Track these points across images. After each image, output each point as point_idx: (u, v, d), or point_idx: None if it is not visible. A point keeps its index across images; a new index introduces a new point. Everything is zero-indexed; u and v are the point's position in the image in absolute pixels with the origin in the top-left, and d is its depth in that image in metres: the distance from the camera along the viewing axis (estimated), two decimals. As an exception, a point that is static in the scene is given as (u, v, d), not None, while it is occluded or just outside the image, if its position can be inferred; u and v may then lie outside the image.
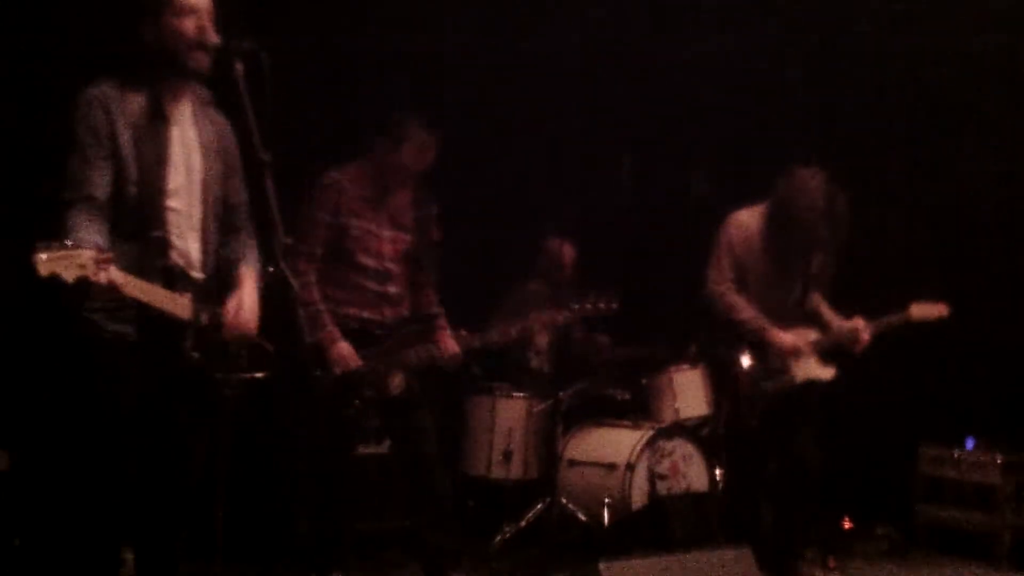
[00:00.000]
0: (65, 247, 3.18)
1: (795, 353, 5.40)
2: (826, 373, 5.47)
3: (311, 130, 6.15)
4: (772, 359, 5.42)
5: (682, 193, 7.58)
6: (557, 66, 7.52)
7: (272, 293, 3.69)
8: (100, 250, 3.26)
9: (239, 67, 3.53)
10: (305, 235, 4.99)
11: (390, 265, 5.15)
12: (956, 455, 6.46)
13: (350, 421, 5.03)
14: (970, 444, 6.47)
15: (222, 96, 3.76)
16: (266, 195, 3.46)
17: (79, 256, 3.18)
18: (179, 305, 3.59)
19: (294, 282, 3.46)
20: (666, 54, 7.50)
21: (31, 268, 3.11)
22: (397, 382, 5.05)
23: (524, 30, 7.35)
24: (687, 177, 7.61)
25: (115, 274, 3.28)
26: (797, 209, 5.27)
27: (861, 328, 5.44)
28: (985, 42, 6.74)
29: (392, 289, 5.16)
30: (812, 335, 5.48)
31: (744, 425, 5.47)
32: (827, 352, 5.49)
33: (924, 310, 5.58)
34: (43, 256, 3.12)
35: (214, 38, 3.64)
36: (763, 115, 7.37)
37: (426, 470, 5.03)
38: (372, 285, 5.11)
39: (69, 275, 3.15)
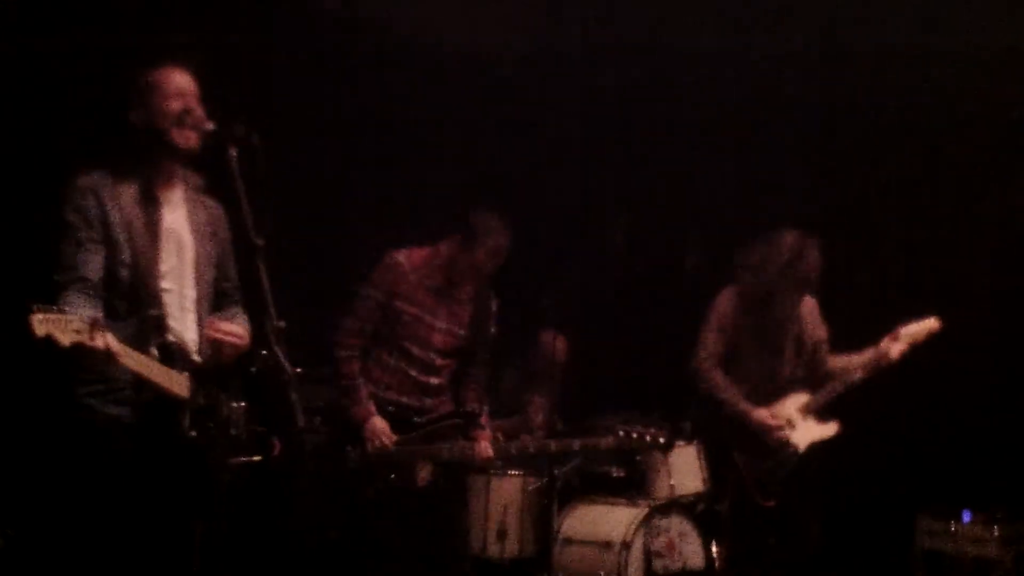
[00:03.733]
0: (62, 311, 3.22)
1: (779, 430, 5.38)
2: (828, 431, 5.46)
3: (304, 214, 6.18)
4: (767, 438, 5.40)
5: (676, 265, 7.61)
6: (549, 134, 7.60)
7: (265, 377, 3.70)
8: (96, 318, 3.29)
9: (232, 152, 3.59)
10: (355, 310, 5.03)
11: (436, 357, 5.13)
12: (953, 528, 6.42)
13: (368, 503, 4.99)
14: (967, 517, 6.44)
15: (215, 181, 3.79)
16: (259, 279, 3.49)
17: (74, 321, 3.21)
18: (177, 383, 3.60)
19: (287, 366, 3.47)
20: (660, 120, 7.57)
21: (26, 330, 3.11)
22: (424, 474, 5.02)
23: (517, 100, 7.43)
24: (682, 248, 7.65)
25: (112, 341, 3.30)
26: (765, 277, 5.32)
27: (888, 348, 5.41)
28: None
29: (434, 380, 5.15)
30: (802, 399, 5.47)
31: (758, 506, 5.42)
32: (824, 409, 5.47)
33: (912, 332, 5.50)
34: (39, 316, 3.14)
35: (205, 122, 3.70)
36: (759, 184, 7.41)
37: (437, 564, 5.02)
38: (414, 373, 5.10)
39: (65, 338, 3.17)
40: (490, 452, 5.18)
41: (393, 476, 4.96)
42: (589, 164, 7.87)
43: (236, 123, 3.64)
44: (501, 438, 5.27)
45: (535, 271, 7.31)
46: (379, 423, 4.95)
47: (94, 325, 3.25)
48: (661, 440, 5.40)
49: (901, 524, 6.70)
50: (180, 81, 3.74)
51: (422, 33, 6.98)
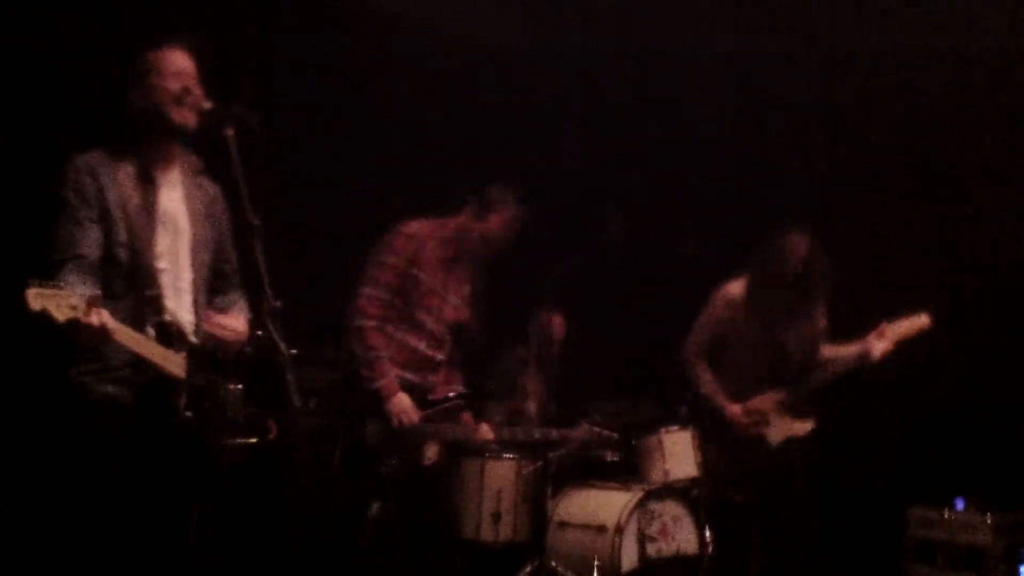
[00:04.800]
0: (58, 287, 3.21)
1: (751, 427, 5.40)
2: (802, 428, 5.46)
3: (302, 194, 6.18)
4: (741, 432, 5.45)
5: (673, 252, 7.62)
6: (545, 129, 7.59)
7: (260, 357, 3.70)
8: (94, 296, 3.29)
9: (229, 131, 3.59)
10: (376, 279, 5.01)
11: (445, 331, 5.15)
12: (946, 516, 6.44)
13: (380, 479, 5.00)
14: (959, 505, 6.45)
15: (213, 160, 3.79)
16: (256, 258, 3.50)
17: (70, 297, 3.20)
18: (173, 362, 3.59)
19: (283, 346, 3.47)
20: (656, 115, 7.58)
21: (22, 304, 3.11)
22: (431, 453, 5.04)
23: (515, 98, 7.43)
24: (677, 236, 7.65)
25: (107, 318, 3.29)
26: (779, 277, 5.32)
27: (872, 346, 5.37)
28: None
29: (440, 356, 5.16)
30: (779, 395, 5.47)
31: (728, 497, 5.46)
32: (802, 405, 5.48)
33: (900, 330, 5.46)
34: (35, 291, 3.14)
35: (203, 101, 3.69)
36: (753, 174, 7.42)
37: (432, 546, 5.08)
38: (423, 348, 5.10)
39: (60, 314, 3.17)
40: (491, 434, 5.25)
41: (403, 455, 4.96)
42: (589, 151, 7.87)
43: (234, 102, 3.65)
44: (498, 421, 5.30)
45: (533, 254, 7.32)
46: (406, 399, 4.94)
47: (91, 302, 3.25)
48: (615, 436, 5.71)
49: (894, 512, 6.72)
50: (179, 61, 3.75)
51: (422, 19, 6.97)
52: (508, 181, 5.29)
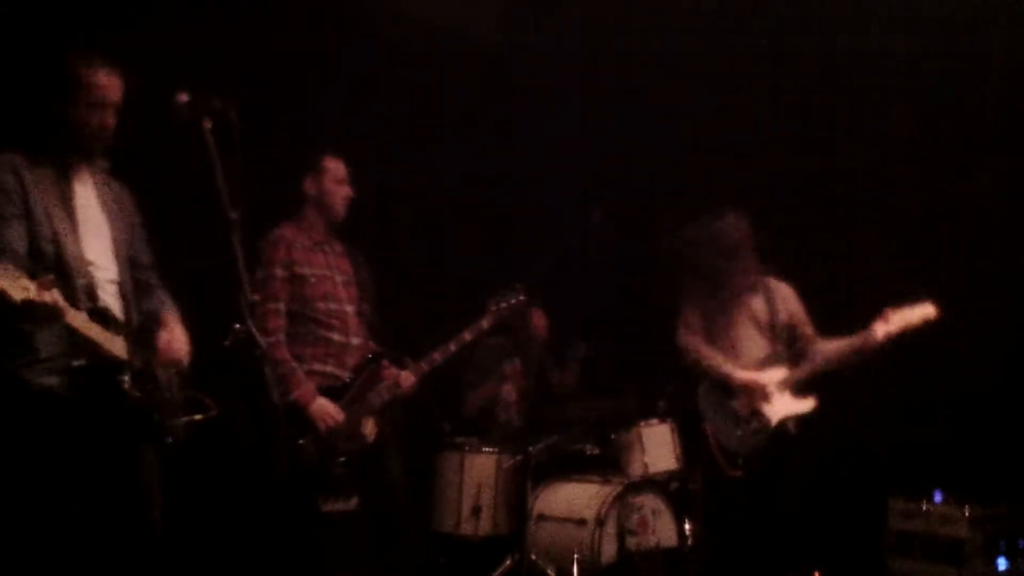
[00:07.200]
0: (9, 268, 3.27)
1: (760, 392, 5.40)
2: (803, 406, 5.46)
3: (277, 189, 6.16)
4: (740, 406, 5.44)
5: (650, 246, 7.61)
6: (525, 119, 7.59)
7: (238, 351, 3.69)
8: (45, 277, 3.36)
9: (207, 125, 3.58)
10: (265, 294, 5.02)
11: (349, 310, 5.21)
12: (925, 508, 6.46)
13: (337, 480, 5.01)
14: (938, 497, 6.47)
15: (191, 153, 3.76)
16: (233, 253, 3.49)
17: (23, 279, 3.27)
18: (115, 344, 3.66)
19: (261, 340, 3.47)
20: (634, 105, 7.58)
21: None
22: (370, 428, 5.09)
23: (494, 88, 7.42)
24: (655, 230, 7.65)
25: (59, 297, 3.37)
26: (709, 259, 5.47)
27: (875, 330, 5.36)
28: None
29: (355, 340, 5.21)
30: (780, 373, 5.48)
31: (725, 477, 5.44)
32: (802, 386, 5.49)
33: (905, 317, 5.42)
34: None
35: (180, 95, 3.67)
36: (727, 166, 7.42)
37: (401, 520, 5.11)
38: (336, 336, 5.15)
39: (16, 294, 3.23)
40: (412, 378, 5.28)
41: (347, 447, 5.01)
42: (576, 147, 7.87)
43: (212, 96, 3.63)
44: (409, 361, 5.33)
45: (514, 247, 7.33)
46: (325, 404, 4.99)
47: (42, 284, 3.31)
48: (522, 297, 5.71)
49: (873, 504, 6.73)
50: (105, 85, 3.77)
51: (415, 16, 6.96)
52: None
